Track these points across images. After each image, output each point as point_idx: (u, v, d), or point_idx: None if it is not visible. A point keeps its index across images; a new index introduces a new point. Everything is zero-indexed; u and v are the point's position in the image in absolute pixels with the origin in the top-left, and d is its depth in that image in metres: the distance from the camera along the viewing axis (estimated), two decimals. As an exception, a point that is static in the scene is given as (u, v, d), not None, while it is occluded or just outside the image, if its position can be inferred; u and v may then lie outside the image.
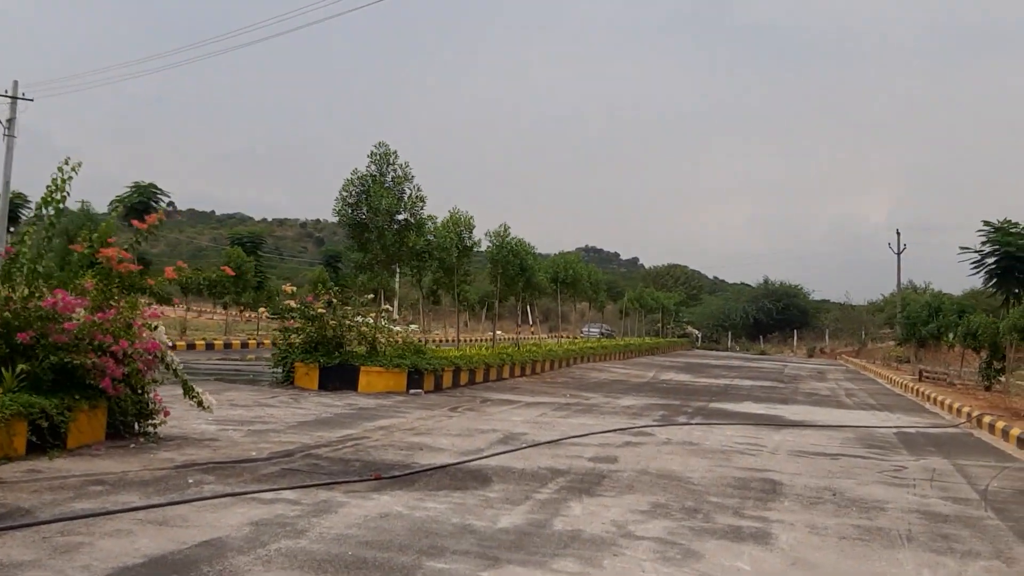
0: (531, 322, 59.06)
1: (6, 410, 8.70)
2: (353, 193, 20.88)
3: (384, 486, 8.93)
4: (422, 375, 19.17)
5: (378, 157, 21.09)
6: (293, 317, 19.04)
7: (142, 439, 10.61)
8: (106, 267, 10.48)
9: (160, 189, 35.95)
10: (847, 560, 7.16)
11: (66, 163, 10.53)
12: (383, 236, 20.88)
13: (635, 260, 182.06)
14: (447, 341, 46.09)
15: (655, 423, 16.06)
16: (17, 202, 35.54)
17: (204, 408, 11.30)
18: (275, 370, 19.27)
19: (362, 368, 18.69)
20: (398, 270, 25.24)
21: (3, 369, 9.29)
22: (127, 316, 10.46)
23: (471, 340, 50.73)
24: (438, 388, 19.96)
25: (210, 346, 32.75)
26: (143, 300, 11.19)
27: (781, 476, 10.98)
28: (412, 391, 18.80)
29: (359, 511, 7.76)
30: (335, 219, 20.97)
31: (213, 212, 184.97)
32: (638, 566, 6.58)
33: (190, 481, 8.50)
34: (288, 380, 18.98)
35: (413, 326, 21.09)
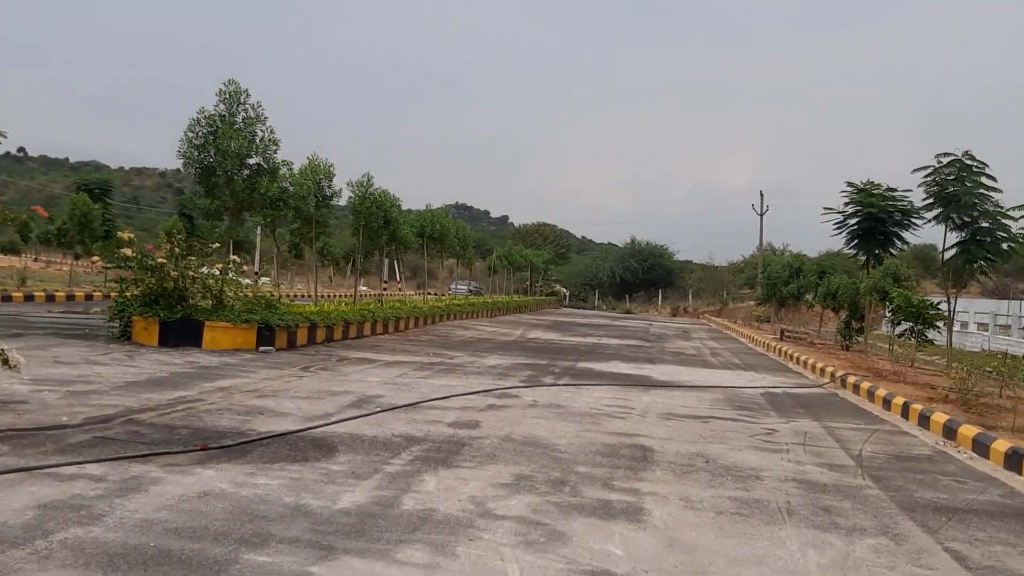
0: (398, 279, 57.71)
1: None
2: (200, 134, 19.26)
3: (211, 458, 7.81)
4: (273, 332, 17.87)
5: (227, 96, 19.49)
6: (130, 267, 17.42)
7: (-70, 403, 9.16)
8: None
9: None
10: (726, 539, 6.45)
11: None
12: (232, 181, 19.37)
13: (505, 218, 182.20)
14: (310, 296, 44.41)
15: (521, 384, 15.25)
16: None
17: (11, 367, 9.85)
18: (111, 325, 17.64)
19: (207, 323, 17.27)
20: (249, 220, 23.55)
21: None
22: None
23: (334, 296, 49.21)
24: (292, 346, 18.69)
25: (51, 298, 30.37)
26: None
27: (652, 442, 10.29)
28: (262, 348, 17.50)
29: (175, 489, 6.64)
30: (179, 160, 19.31)
31: (67, 159, 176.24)
32: (496, 553, 5.70)
33: (-28, 453, 7.20)
34: (125, 335, 17.40)
35: (265, 279, 19.70)
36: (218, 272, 18.04)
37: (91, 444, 7.91)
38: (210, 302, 17.99)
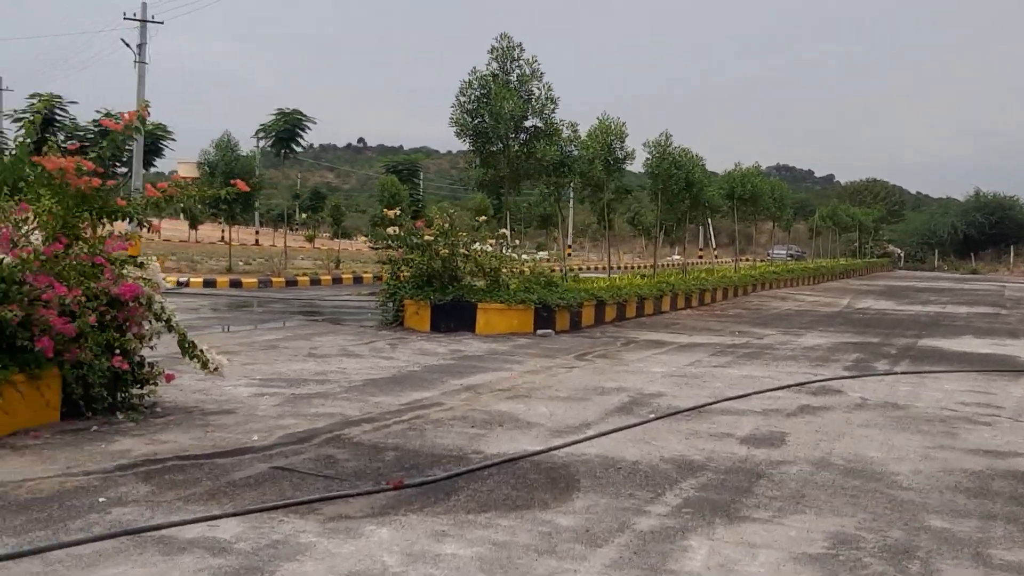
0: (713, 245, 54.73)
1: None
2: (472, 97, 17.61)
3: (401, 502, 5.76)
4: (553, 312, 15.87)
5: (500, 52, 17.70)
6: (397, 246, 16.04)
7: (121, 415, 7.81)
8: (59, 183, 7.62)
9: (305, 115, 33.63)
10: None
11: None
12: (507, 147, 17.57)
13: (830, 177, 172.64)
14: (620, 269, 42.62)
15: (845, 373, 12.23)
16: (159, 134, 34.07)
17: (210, 370, 8.42)
18: (385, 308, 16.41)
19: (479, 305, 15.56)
20: (551, 192, 21.54)
21: None
22: (84, 251, 7.63)
23: (637, 268, 47.12)
24: (575, 327, 16.63)
25: (315, 281, 30.34)
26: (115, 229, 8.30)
27: (1041, 470, 7.14)
28: (540, 332, 15.56)
29: (316, 570, 4.60)
30: (452, 128, 17.77)
31: (401, 147, 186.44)
32: None
33: (102, 500, 5.56)
34: (397, 321, 16.10)
35: (542, 253, 17.71)
36: (490, 248, 16.31)
37: (258, 481, 6.11)
38: (484, 282, 16.30)
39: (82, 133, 32.89)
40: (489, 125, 17.34)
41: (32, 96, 33.83)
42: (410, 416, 8.43)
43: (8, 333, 7.01)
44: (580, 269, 45.00)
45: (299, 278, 29.61)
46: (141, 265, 8.25)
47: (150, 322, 8.15)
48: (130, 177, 32.16)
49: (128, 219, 8.14)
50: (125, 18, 32.76)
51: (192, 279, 27.00)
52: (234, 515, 5.36)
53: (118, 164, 33.13)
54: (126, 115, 8.21)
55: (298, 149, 34.87)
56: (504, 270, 16.58)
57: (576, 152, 20.11)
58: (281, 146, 33.88)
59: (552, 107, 17.95)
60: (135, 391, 8.25)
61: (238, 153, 32.86)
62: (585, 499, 5.95)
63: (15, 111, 33.19)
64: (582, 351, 13.70)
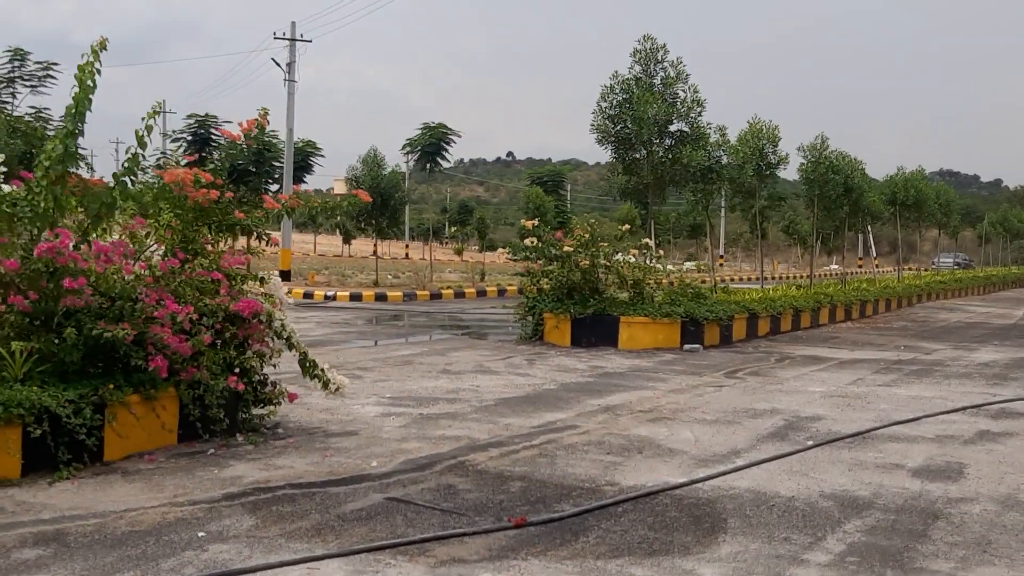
0: (873, 254, 52.21)
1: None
2: (613, 103, 16.94)
3: (522, 543, 5.15)
4: (701, 326, 14.99)
5: (643, 55, 16.97)
6: (535, 258, 15.48)
7: (240, 437, 7.47)
8: (177, 196, 7.36)
9: (450, 129, 33.51)
10: None
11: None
12: (651, 153, 16.81)
13: (998, 182, 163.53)
14: (774, 279, 40.98)
15: (1029, 393, 10.99)
16: (308, 150, 34.59)
17: (331, 391, 8.02)
18: (523, 322, 15.86)
19: (622, 319, 14.83)
20: (680, 197, 20.79)
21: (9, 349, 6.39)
22: (202, 266, 7.34)
23: (791, 278, 45.30)
24: (725, 342, 15.69)
25: (460, 294, 29.94)
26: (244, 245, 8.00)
27: None
28: (687, 347, 14.71)
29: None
30: (593, 135, 17.14)
31: (549, 159, 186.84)
32: None
33: (201, 535, 5.15)
34: (537, 335, 15.52)
35: (688, 264, 16.86)
36: (633, 259, 15.56)
37: (370, 515, 5.60)
38: (627, 294, 15.57)
39: (235, 152, 33.71)
40: (632, 131, 16.64)
41: (189, 117, 34.95)
42: (541, 440, 7.82)
43: (122, 352, 6.75)
44: (731, 280, 43.63)
45: (443, 291, 29.48)
46: (262, 280, 7.91)
47: (271, 340, 7.81)
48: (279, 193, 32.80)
49: (247, 232, 7.82)
50: (275, 38, 33.51)
51: (339, 293, 27.18)
52: (337, 555, 4.86)
53: (270, 181, 33.83)
54: (244, 124, 7.92)
55: (444, 163, 34.74)
56: (649, 281, 15.83)
57: (725, 157, 19.15)
58: (426, 160, 33.84)
59: (699, 110, 17.13)
60: (256, 411, 7.93)
61: (384, 169, 32.98)
62: (733, 543, 5.20)
63: (173, 132, 34.32)
64: (732, 368, 12.82)
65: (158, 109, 7.31)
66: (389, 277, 36.00)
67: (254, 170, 33.59)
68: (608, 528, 5.44)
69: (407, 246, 73.99)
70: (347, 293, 27.18)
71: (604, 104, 17.01)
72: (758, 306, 17.01)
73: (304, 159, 34.21)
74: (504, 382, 11.05)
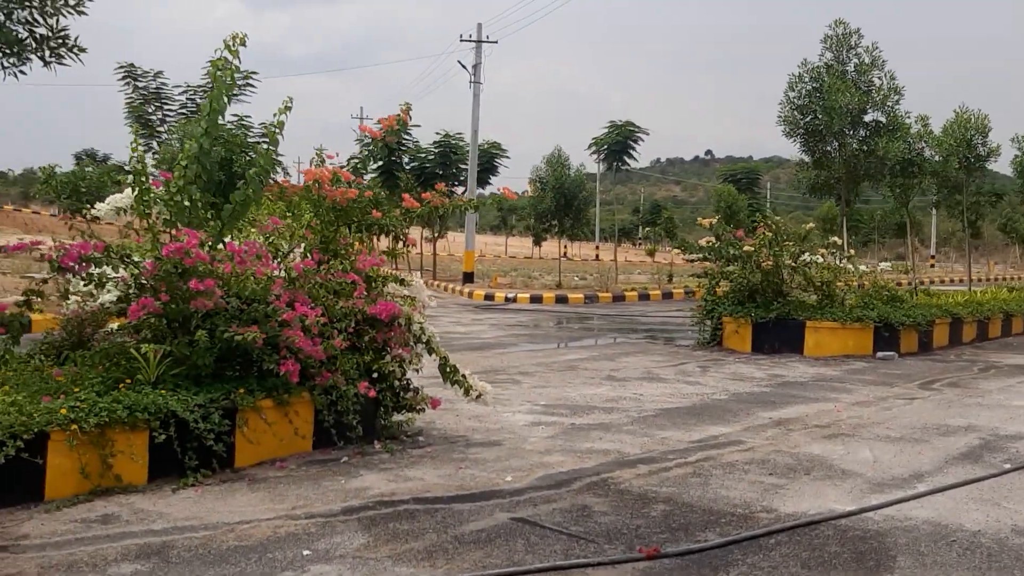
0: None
1: (93, 416, 5.69)
2: (802, 93, 15.89)
3: (653, 577, 4.56)
4: (896, 332, 13.77)
5: (834, 40, 15.83)
6: (713, 258, 14.65)
7: (378, 444, 7.17)
8: (313, 195, 7.15)
9: (638, 127, 32.74)
10: None
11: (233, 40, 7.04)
12: (844, 145, 15.66)
13: None
14: (989, 281, 38.10)
15: None
16: (493, 152, 34.70)
17: (472, 398, 7.62)
18: (702, 327, 15.06)
19: (808, 323, 13.79)
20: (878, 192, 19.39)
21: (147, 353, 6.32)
22: (339, 267, 7.10)
23: (1015, 279, 41.93)
24: (924, 349, 14.37)
25: (644, 296, 29.02)
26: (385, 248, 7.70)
27: None
28: (880, 354, 13.53)
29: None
30: (780, 127, 16.14)
31: (750, 157, 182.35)
32: None
33: (306, 553, 4.84)
34: (715, 340, 14.69)
35: (884, 264, 15.60)
36: (821, 259, 14.48)
37: (490, 537, 5.14)
38: (815, 297, 14.52)
39: (424, 155, 34.20)
40: (822, 121, 15.52)
41: (377, 122, 35.71)
42: (698, 457, 7.15)
43: (255, 356, 6.57)
44: (941, 282, 40.83)
45: (627, 293, 28.81)
46: (403, 282, 7.61)
47: (412, 344, 7.49)
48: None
49: (386, 232, 7.54)
50: (461, 40, 33.75)
51: (520, 295, 27.01)
52: (443, 583, 4.42)
53: (456, 183, 34.16)
54: (385, 120, 7.64)
55: (631, 162, 33.95)
56: (840, 283, 14.72)
57: (928, 149, 17.67)
58: (613, 159, 33.23)
59: (896, 98, 15.80)
60: (399, 417, 7.63)
61: (568, 168, 32.57)
62: (899, 590, 4.43)
63: (363, 136, 35.14)
64: (928, 378, 11.65)
65: (289, 105, 7.09)
66: (575, 279, 35.68)
67: (440, 172, 34.10)
68: (754, 563, 4.77)
69: (597, 247, 73.54)
70: (528, 295, 26.96)
71: (792, 94, 15.97)
72: (962, 310, 15.53)
73: (489, 160, 34.35)
74: (670, 391, 10.38)
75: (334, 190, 7.11)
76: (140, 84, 32.37)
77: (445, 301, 26.23)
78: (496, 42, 33.87)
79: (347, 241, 7.31)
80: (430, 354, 7.57)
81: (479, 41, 32.89)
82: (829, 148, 15.98)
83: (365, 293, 7.05)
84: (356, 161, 7.64)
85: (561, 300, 26.78)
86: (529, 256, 66.97)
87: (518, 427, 8.16)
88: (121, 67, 32.27)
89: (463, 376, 7.55)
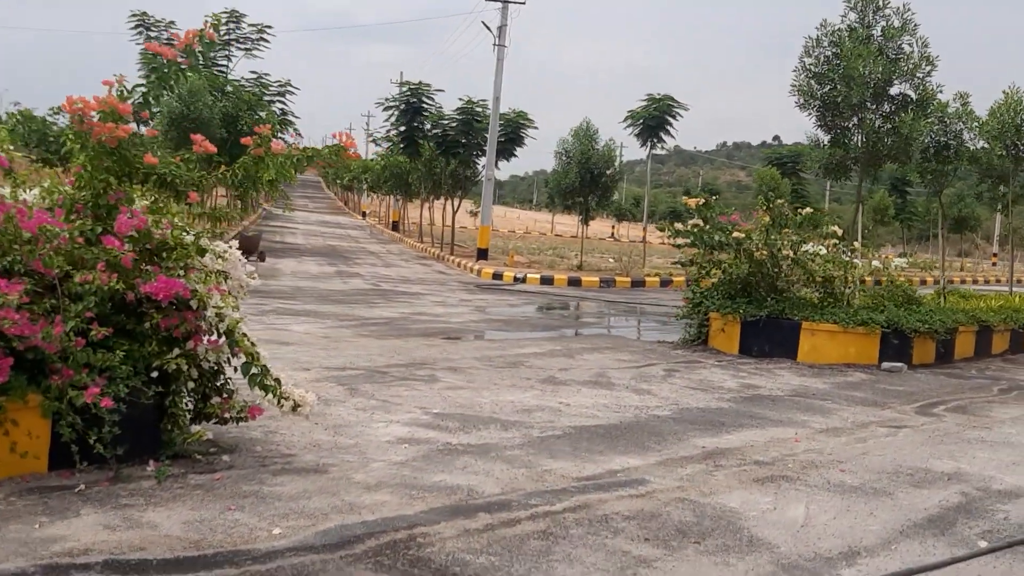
0: None
1: None
2: (820, 59, 13.86)
3: None
4: (908, 339, 11.75)
5: (860, 1, 13.77)
6: (697, 244, 12.74)
7: (153, 466, 5.49)
8: (81, 133, 5.49)
9: (677, 101, 30.38)
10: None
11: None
12: (864, 121, 13.62)
13: None
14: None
15: None
16: (521, 122, 32.72)
17: (288, 410, 5.91)
18: (687, 322, 13.18)
19: (804, 325, 11.83)
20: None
21: None
22: (84, 227, 5.44)
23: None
24: (943, 360, 12.34)
25: (666, 282, 26.90)
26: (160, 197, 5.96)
27: None
28: (886, 365, 11.56)
29: None
30: (793, 97, 14.09)
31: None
32: None
33: None
34: (700, 338, 12.82)
35: (899, 260, 13.53)
36: (824, 250, 12.51)
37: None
38: (815, 293, 12.58)
39: (446, 123, 32.51)
40: (840, 92, 13.48)
41: (402, 85, 34.03)
42: (570, 504, 5.39)
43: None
44: (996, 281, 38.16)
45: (647, 278, 26.85)
46: (217, 255, 5.91)
47: (215, 335, 5.80)
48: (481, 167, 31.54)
49: (170, 187, 5.82)
50: (486, -1, 31.69)
51: (530, 275, 25.20)
52: None
53: (480, 152, 32.48)
54: (183, 37, 5.92)
55: (668, 139, 31.53)
56: (849, 279, 12.74)
57: (966, 132, 15.51)
58: (649, 134, 30.99)
59: (928, 69, 13.67)
60: (197, 428, 5.94)
61: (596, 143, 30.53)
62: None
63: (387, 99, 33.53)
64: (932, 399, 9.70)
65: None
66: (611, 260, 33.75)
67: (464, 141, 32.32)
68: None
69: (645, 230, 71.15)
70: (538, 276, 25.17)
71: (808, 60, 13.91)
72: (993, 317, 13.41)
73: (515, 130, 32.42)
74: (606, 402, 8.57)
75: (102, 126, 5.43)
76: (152, 34, 31.19)
77: (448, 279, 24.58)
78: (524, 2, 31.48)
79: (121, 195, 5.57)
80: (231, 348, 5.83)
81: (506, 0, 30.77)
82: (848, 124, 13.91)
83: (136, 266, 5.36)
84: (143, 90, 5.95)
85: (574, 283, 24.95)
86: (575, 235, 64.82)
87: (375, 445, 6.46)
88: (134, 16, 31.17)
89: (275, 381, 5.83)
